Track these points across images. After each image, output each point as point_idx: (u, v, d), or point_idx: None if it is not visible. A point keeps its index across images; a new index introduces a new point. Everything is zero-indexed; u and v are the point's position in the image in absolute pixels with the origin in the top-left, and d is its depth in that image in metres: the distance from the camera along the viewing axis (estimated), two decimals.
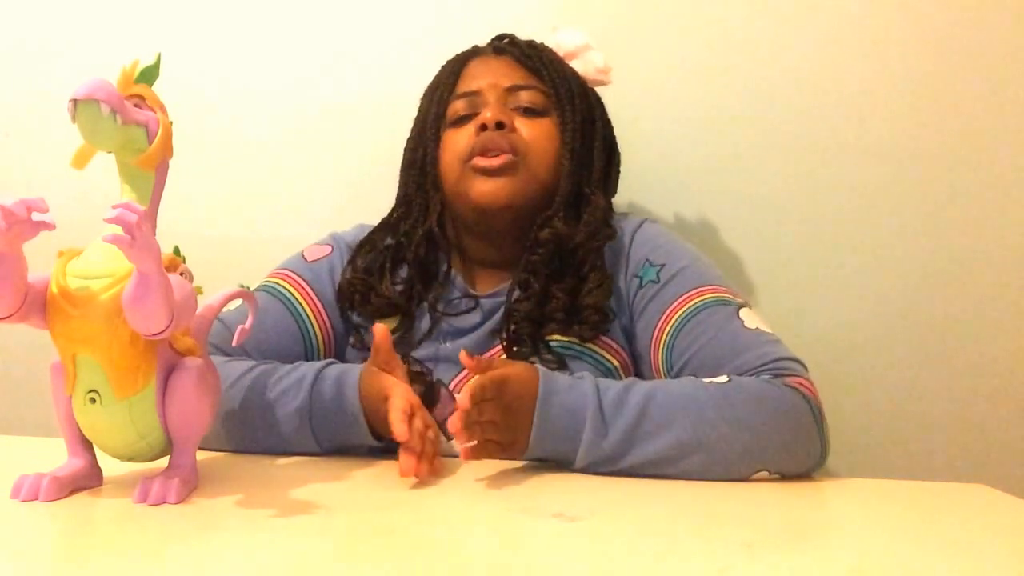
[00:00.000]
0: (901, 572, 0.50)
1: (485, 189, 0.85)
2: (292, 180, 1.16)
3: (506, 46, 0.93)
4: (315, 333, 0.88)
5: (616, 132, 0.95)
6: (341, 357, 0.88)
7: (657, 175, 1.08)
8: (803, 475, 0.73)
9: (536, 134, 0.87)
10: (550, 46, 0.95)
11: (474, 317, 0.88)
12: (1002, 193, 1.04)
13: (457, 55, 0.94)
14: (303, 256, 0.92)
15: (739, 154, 1.07)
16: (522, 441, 0.70)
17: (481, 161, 0.85)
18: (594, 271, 0.85)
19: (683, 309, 0.80)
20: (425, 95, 0.94)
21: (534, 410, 0.69)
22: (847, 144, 1.06)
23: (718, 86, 1.08)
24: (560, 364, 0.81)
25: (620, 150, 0.96)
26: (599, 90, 0.96)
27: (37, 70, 1.21)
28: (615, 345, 0.85)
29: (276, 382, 0.76)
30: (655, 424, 0.69)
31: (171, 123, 0.59)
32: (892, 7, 1.05)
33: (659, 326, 0.82)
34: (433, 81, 0.94)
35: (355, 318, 0.88)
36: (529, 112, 0.88)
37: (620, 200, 1.03)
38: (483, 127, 0.86)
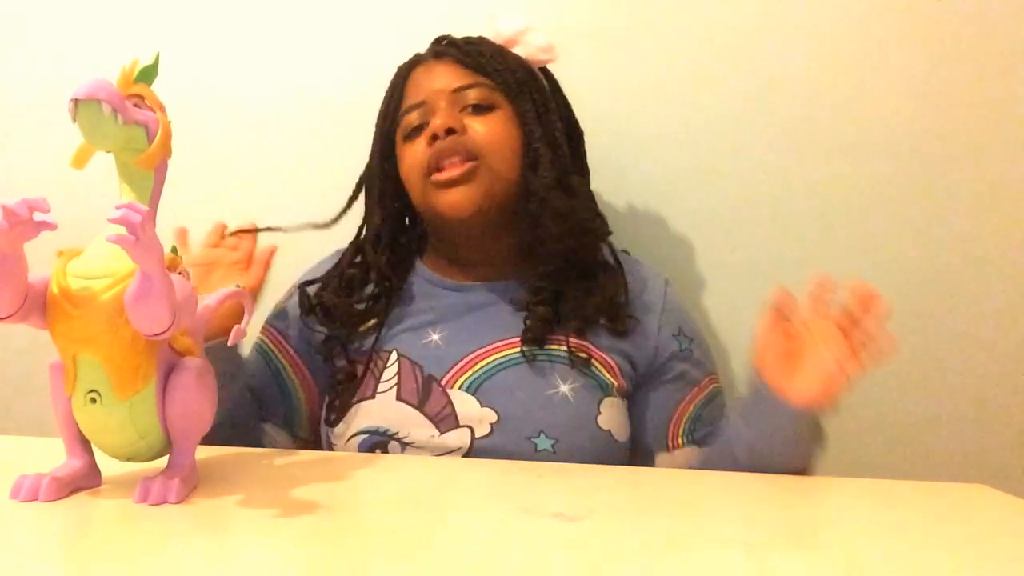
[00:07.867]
0: (901, 572, 0.50)
1: (450, 201, 0.85)
2: (292, 180, 1.16)
3: (446, 48, 0.91)
4: (295, 386, 0.92)
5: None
6: (323, 397, 0.91)
7: (653, 175, 1.08)
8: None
9: (490, 130, 0.86)
10: (490, 36, 0.93)
11: (458, 306, 0.89)
12: (1002, 193, 1.04)
13: (400, 67, 0.93)
14: (280, 302, 0.96)
15: (735, 154, 1.07)
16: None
17: (440, 176, 0.85)
18: (603, 269, 0.88)
19: (703, 394, 0.89)
20: (379, 112, 0.94)
21: None
22: (845, 144, 1.06)
23: (714, 85, 1.07)
24: (572, 364, 0.84)
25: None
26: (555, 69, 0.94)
27: (37, 70, 1.21)
28: (617, 368, 0.86)
29: None
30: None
31: (170, 123, 0.59)
32: (892, 6, 1.05)
33: (684, 401, 0.88)
34: (384, 96, 0.94)
35: (329, 331, 0.90)
36: (479, 109, 0.87)
37: (615, 203, 1.03)
38: (434, 137, 0.85)
